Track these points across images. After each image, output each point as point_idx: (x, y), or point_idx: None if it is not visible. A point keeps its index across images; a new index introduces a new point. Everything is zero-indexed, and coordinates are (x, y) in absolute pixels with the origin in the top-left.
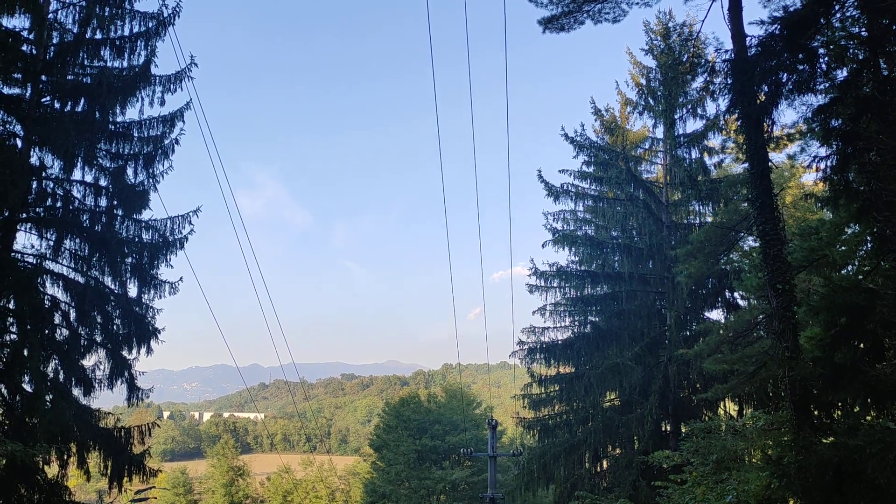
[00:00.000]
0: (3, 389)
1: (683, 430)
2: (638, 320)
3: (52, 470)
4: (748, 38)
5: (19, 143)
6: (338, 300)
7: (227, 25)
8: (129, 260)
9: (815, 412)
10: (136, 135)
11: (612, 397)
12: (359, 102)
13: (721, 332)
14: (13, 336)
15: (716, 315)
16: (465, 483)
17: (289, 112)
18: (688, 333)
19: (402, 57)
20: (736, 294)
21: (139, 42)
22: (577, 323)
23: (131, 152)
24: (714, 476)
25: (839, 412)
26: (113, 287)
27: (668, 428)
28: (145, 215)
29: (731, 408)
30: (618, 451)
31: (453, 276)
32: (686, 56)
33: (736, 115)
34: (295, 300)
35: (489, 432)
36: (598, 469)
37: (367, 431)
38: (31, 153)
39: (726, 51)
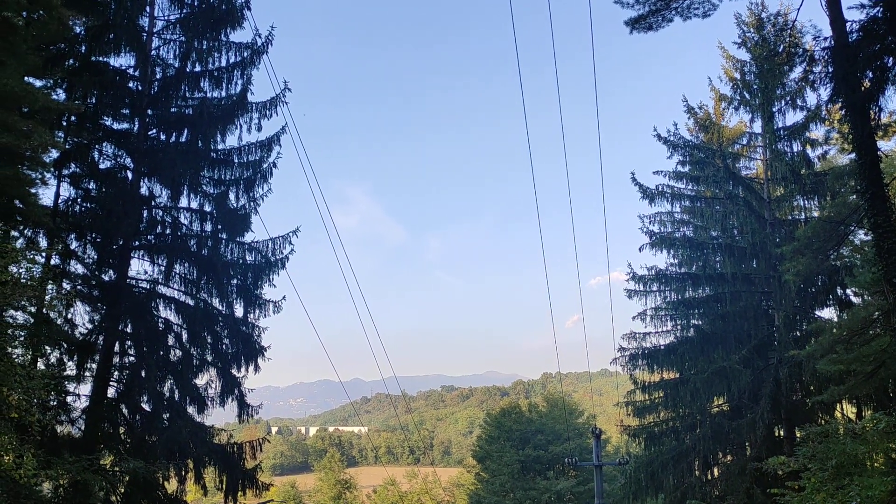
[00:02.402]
0: (124, 409)
1: (798, 435)
2: (744, 322)
3: (172, 485)
4: (848, 24)
5: (129, 174)
6: (435, 312)
7: (312, 38)
8: (235, 281)
9: None
10: (236, 160)
11: (720, 402)
12: (444, 110)
13: (834, 331)
14: (131, 358)
15: (827, 314)
16: (571, 493)
17: (375, 125)
18: (798, 334)
19: (488, 60)
20: (848, 291)
21: (235, 72)
22: (679, 327)
23: (232, 178)
24: (834, 482)
25: None
26: (220, 308)
27: (782, 433)
28: (248, 237)
29: (849, 410)
30: (729, 457)
31: (549, 283)
32: (782, 46)
33: (839, 103)
34: (392, 314)
35: (593, 441)
36: (709, 477)
37: (469, 443)
38: (141, 184)
39: (825, 38)
